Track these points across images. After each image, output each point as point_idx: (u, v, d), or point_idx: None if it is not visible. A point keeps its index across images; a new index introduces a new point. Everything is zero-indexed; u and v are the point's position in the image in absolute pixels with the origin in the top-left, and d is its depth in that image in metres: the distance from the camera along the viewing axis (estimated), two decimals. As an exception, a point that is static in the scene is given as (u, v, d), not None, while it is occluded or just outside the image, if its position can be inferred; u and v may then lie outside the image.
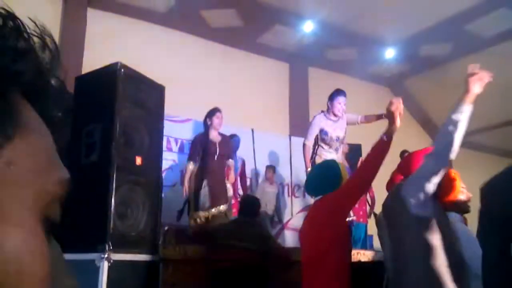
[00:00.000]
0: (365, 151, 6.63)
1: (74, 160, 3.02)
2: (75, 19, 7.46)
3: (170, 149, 7.29)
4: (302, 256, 2.84)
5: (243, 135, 7.45)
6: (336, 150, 5.37)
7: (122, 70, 2.97)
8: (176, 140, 7.50)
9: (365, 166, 2.66)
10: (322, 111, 5.42)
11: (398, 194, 2.50)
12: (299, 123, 9.28)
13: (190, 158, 5.36)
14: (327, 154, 5.27)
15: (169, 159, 7.06)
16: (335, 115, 5.31)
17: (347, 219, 3.12)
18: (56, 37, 6.79)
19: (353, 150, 6.74)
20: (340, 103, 5.29)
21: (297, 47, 9.27)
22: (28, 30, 0.40)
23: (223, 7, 8.04)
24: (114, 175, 2.77)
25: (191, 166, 5.26)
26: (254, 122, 8.10)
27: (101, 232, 2.65)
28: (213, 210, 5.07)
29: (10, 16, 0.38)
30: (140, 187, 2.97)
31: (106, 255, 2.55)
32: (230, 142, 5.56)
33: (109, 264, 2.56)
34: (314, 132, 5.33)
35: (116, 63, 2.98)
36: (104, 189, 2.73)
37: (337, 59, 9.69)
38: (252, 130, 7.89)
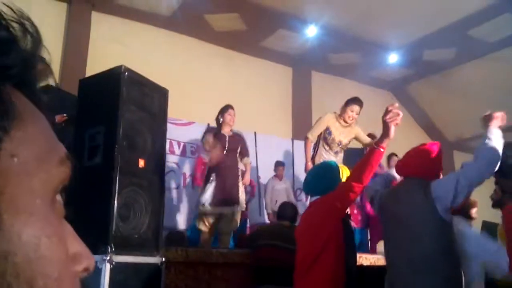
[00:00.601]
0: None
1: (77, 163, 3.02)
2: (80, 22, 7.49)
3: (173, 152, 7.31)
4: (297, 254, 2.85)
5: (246, 138, 7.47)
6: (336, 153, 5.32)
7: (126, 73, 2.98)
8: (179, 143, 7.53)
9: (357, 173, 2.67)
10: (335, 113, 5.38)
11: (421, 195, 2.53)
12: (301, 127, 9.29)
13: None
14: (325, 155, 5.24)
15: (171, 162, 7.09)
16: (345, 121, 5.27)
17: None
18: (61, 40, 6.80)
19: (356, 154, 6.73)
20: (352, 111, 5.24)
21: (300, 51, 9.29)
22: (7, 17, 0.39)
23: (227, 11, 8.06)
24: (117, 178, 2.77)
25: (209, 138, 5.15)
26: (256, 125, 8.11)
27: (104, 234, 2.66)
28: (223, 210, 4.95)
29: None
30: (143, 190, 2.98)
31: (108, 257, 2.56)
32: (242, 139, 5.44)
33: (111, 266, 2.56)
34: (320, 128, 5.26)
35: (120, 66, 2.99)
36: (107, 192, 2.74)
37: (340, 63, 9.71)
38: (255, 133, 7.91)
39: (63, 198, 0.42)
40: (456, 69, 9.43)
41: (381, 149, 2.61)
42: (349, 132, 5.36)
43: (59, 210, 0.40)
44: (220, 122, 5.28)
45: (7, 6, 0.40)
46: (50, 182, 0.38)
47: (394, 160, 6.84)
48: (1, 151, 0.35)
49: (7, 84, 0.37)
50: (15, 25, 0.39)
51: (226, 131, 5.26)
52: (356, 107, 5.24)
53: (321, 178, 2.89)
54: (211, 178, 5.01)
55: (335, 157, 5.23)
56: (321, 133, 5.28)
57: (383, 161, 6.37)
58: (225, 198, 4.96)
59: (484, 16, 7.80)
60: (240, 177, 5.24)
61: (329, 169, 2.95)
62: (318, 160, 5.15)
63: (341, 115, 5.30)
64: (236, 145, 5.28)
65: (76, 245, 0.42)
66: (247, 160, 5.39)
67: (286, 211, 4.23)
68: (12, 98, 0.37)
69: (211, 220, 4.97)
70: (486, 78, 8.98)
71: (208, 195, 4.92)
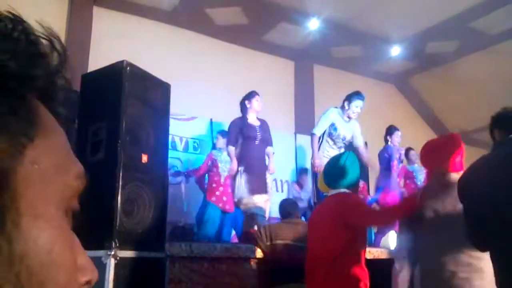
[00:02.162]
0: (371, 149, 6.64)
1: (80, 158, 3.03)
2: (81, 17, 7.48)
3: (175, 148, 7.31)
4: (311, 245, 2.78)
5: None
6: (340, 148, 5.29)
7: (128, 68, 2.98)
8: (181, 138, 7.53)
9: (380, 216, 2.60)
10: (338, 108, 5.34)
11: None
12: (304, 121, 9.28)
13: (230, 142, 5.11)
14: (330, 150, 5.21)
15: (174, 157, 7.08)
16: (349, 117, 5.24)
17: None
18: (62, 35, 6.74)
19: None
20: (357, 106, 5.21)
21: (303, 44, 9.26)
22: (37, 33, 0.41)
23: (228, 5, 8.03)
24: (120, 173, 2.78)
25: (233, 149, 5.03)
26: (259, 120, 8.10)
27: (108, 229, 2.67)
28: (254, 198, 4.85)
29: (18, 19, 0.40)
30: (146, 185, 2.98)
31: (112, 252, 2.57)
32: (268, 127, 5.31)
33: (116, 261, 2.57)
34: (325, 124, 5.20)
35: (122, 61, 2.99)
36: (111, 187, 2.74)
37: (342, 56, 9.67)
38: (258, 128, 7.89)
39: (73, 212, 0.44)
40: (459, 61, 9.38)
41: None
42: (352, 127, 5.33)
43: (69, 221, 0.42)
44: (247, 108, 5.11)
45: (39, 23, 0.42)
46: (65, 193, 0.41)
47: (412, 154, 6.82)
48: (24, 157, 0.37)
49: (33, 94, 0.40)
50: (44, 41, 0.42)
51: (252, 119, 5.12)
52: (360, 102, 5.21)
53: (348, 171, 2.81)
54: (240, 171, 4.93)
55: (338, 152, 5.21)
56: (325, 129, 5.25)
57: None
58: (256, 187, 4.90)
59: (486, 8, 7.75)
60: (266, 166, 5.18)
61: (353, 162, 2.86)
62: (322, 155, 5.12)
63: (344, 110, 5.26)
64: (266, 134, 5.18)
65: (83, 257, 0.43)
66: (271, 149, 5.28)
67: (288, 207, 4.18)
68: (37, 109, 0.40)
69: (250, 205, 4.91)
70: (489, 71, 8.94)
71: (239, 189, 4.88)
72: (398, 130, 6.52)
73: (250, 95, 5.18)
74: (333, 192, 2.82)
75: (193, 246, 3.65)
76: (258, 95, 5.18)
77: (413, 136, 8.10)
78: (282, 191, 7.87)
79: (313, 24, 8.42)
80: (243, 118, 5.13)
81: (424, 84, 10.72)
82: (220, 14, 8.26)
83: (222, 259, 3.76)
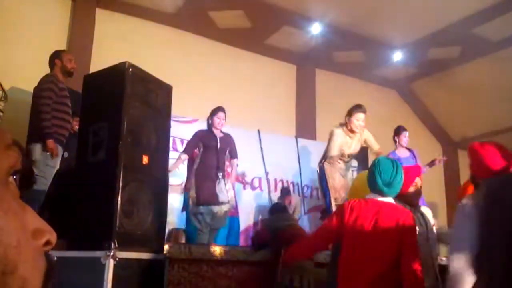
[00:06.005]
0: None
1: (81, 158, 3.03)
2: (84, 19, 7.49)
3: (176, 150, 7.31)
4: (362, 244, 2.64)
5: (249, 136, 7.47)
6: (347, 162, 5.43)
7: (130, 69, 2.98)
8: (182, 141, 7.51)
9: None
10: (340, 125, 5.35)
11: None
12: (305, 125, 9.28)
13: (185, 150, 5.36)
14: (338, 164, 5.31)
15: (175, 159, 7.07)
16: (352, 131, 5.27)
17: None
18: (65, 37, 6.78)
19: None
20: (358, 120, 5.24)
21: (305, 48, 9.27)
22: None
23: (231, 8, 8.05)
24: (121, 174, 2.78)
25: (183, 156, 5.30)
26: (260, 123, 8.10)
27: (107, 230, 2.67)
28: (216, 208, 4.95)
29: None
30: (147, 186, 2.98)
31: (111, 253, 2.56)
32: (232, 141, 5.43)
33: (115, 262, 2.57)
34: (337, 147, 5.27)
35: (124, 63, 2.99)
36: (111, 188, 2.74)
37: (344, 61, 9.68)
38: (259, 131, 7.90)
39: (16, 181, 0.47)
40: (461, 67, 9.38)
41: None
42: (358, 141, 5.34)
43: (13, 191, 0.46)
44: (210, 123, 5.29)
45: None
46: (0, 166, 0.44)
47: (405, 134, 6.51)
48: None
49: None
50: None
51: (216, 132, 5.28)
52: (361, 115, 5.22)
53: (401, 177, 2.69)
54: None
55: (345, 165, 5.30)
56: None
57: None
58: (210, 197, 5.00)
59: (489, 14, 7.75)
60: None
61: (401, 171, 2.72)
62: (330, 172, 5.18)
63: (347, 125, 5.25)
64: (226, 146, 5.32)
65: (37, 222, 0.46)
66: (235, 161, 5.45)
67: (274, 206, 4.74)
68: None
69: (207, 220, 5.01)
70: (491, 77, 8.94)
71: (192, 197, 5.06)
72: (406, 130, 6.30)
73: (213, 112, 5.31)
74: (382, 198, 2.66)
75: (192, 248, 3.65)
76: (223, 112, 5.28)
77: (415, 142, 8.08)
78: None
79: (316, 29, 8.42)
80: (208, 130, 5.32)
81: (426, 90, 10.72)
82: (223, 17, 8.27)
83: (221, 262, 3.76)
